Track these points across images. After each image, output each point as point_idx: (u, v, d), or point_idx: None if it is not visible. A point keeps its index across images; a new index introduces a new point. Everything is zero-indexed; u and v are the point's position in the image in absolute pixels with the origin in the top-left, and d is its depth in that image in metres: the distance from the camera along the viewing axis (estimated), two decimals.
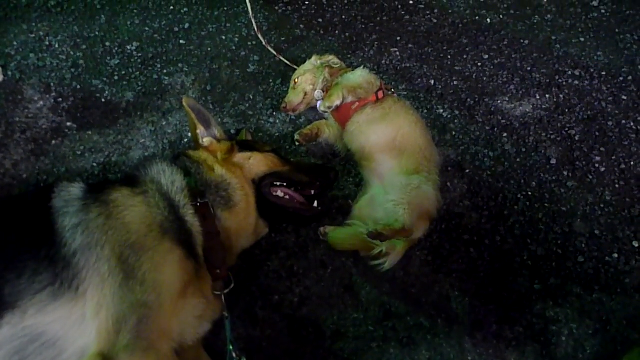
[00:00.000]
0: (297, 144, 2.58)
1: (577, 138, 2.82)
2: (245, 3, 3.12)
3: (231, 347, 1.79)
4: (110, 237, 1.71)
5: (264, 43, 3.13)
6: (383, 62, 3.20)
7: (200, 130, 2.12)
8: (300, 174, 2.16)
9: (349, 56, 3.22)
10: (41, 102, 2.85)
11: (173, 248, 1.75)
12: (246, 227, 2.02)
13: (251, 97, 2.94)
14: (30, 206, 1.87)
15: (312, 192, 2.20)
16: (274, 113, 2.87)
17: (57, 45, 3.16)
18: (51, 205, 1.78)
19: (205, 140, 2.13)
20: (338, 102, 2.41)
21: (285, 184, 2.14)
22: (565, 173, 2.68)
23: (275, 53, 3.11)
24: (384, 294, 2.28)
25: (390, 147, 2.31)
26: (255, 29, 3.13)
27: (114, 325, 1.62)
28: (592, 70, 3.19)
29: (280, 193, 2.11)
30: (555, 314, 2.24)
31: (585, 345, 2.16)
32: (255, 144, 2.27)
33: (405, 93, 3.00)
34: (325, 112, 2.46)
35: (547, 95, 3.03)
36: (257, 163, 2.10)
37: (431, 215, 2.25)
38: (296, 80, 2.65)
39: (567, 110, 2.95)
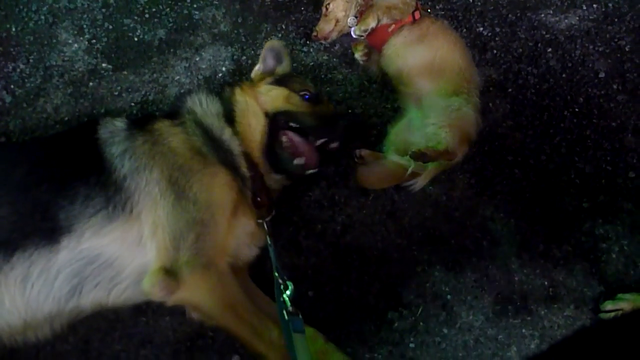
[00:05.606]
0: (361, 59, 2.50)
1: (627, 49, 2.67)
2: None
3: (277, 274, 1.82)
4: (158, 161, 1.79)
5: None
6: None
7: (259, 65, 2.26)
8: (310, 118, 2.05)
9: None
10: (75, 45, 2.85)
11: (217, 171, 1.84)
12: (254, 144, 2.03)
13: (283, 27, 2.87)
14: (77, 138, 1.95)
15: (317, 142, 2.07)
16: (308, 42, 2.80)
17: None
18: (97, 136, 1.86)
19: (254, 71, 2.26)
20: (373, 25, 2.35)
21: (296, 127, 2.04)
22: (615, 86, 2.55)
23: None
24: (427, 219, 2.27)
25: (429, 70, 2.25)
26: None
27: (172, 242, 1.69)
28: None
29: (284, 138, 2.02)
30: (605, 231, 2.19)
31: (637, 261, 2.12)
32: (293, 80, 2.20)
33: (443, 13, 2.87)
34: (361, 36, 2.39)
35: (595, 5, 2.85)
36: (274, 98, 2.09)
37: (471, 138, 2.19)
38: (327, 7, 2.58)
39: (616, 20, 2.78)
